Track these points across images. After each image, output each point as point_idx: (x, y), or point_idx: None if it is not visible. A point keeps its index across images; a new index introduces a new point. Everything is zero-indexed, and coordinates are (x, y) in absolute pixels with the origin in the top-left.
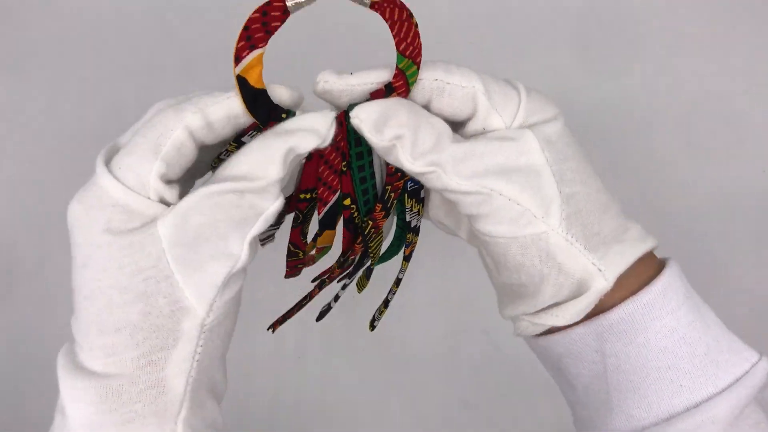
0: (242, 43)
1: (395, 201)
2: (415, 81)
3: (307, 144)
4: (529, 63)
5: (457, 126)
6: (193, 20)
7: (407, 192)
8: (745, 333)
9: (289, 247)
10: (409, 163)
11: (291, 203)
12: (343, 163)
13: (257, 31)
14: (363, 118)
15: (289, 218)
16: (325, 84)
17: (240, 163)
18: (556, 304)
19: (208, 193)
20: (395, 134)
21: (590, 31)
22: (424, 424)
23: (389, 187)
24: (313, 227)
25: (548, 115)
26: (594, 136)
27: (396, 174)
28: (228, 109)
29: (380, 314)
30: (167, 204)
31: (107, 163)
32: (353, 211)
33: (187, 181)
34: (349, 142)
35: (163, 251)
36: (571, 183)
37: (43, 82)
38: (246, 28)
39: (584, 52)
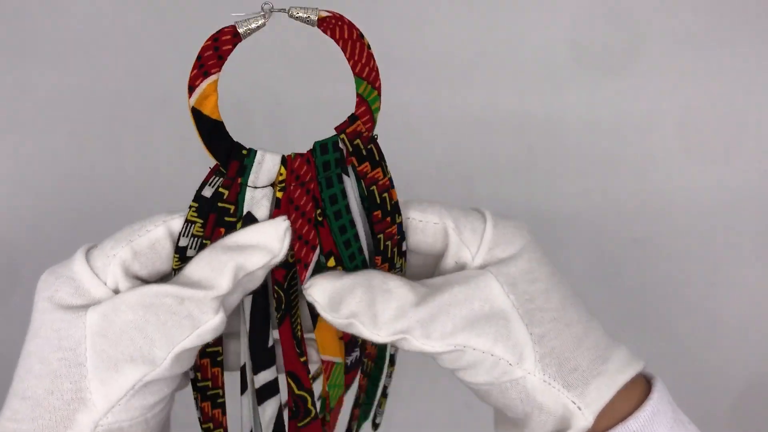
0: (195, 72)
1: (396, 251)
2: (378, 108)
3: (257, 262)
4: (528, 63)
5: (433, 263)
6: (195, 19)
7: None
8: (745, 333)
9: (290, 387)
10: (375, 335)
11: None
12: (317, 211)
13: (210, 58)
14: (317, 299)
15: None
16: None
17: (190, 272)
18: None
19: (148, 292)
20: (351, 312)
21: (590, 31)
22: (426, 425)
23: (382, 236)
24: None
25: (513, 249)
26: (593, 137)
27: (385, 219)
28: None
29: (381, 407)
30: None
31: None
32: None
33: None
34: (320, 183)
35: (85, 338)
36: (540, 322)
37: (44, 81)
38: (199, 57)
39: (583, 53)
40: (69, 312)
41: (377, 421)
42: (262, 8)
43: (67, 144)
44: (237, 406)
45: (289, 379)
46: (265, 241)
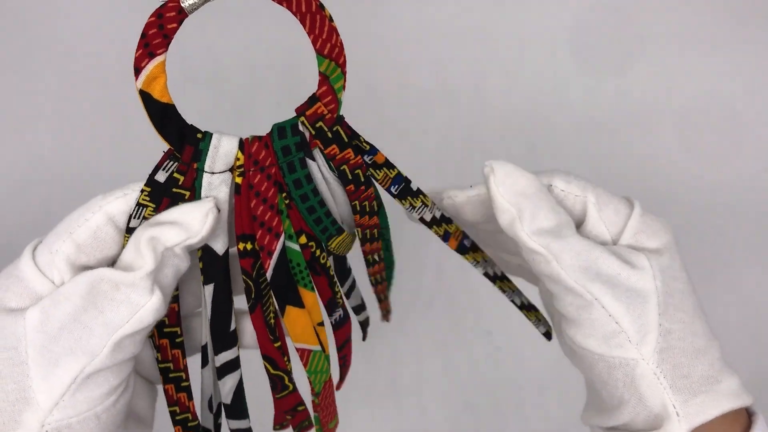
0: (140, 52)
1: (375, 205)
2: (341, 87)
3: (171, 238)
4: (528, 63)
5: None
6: (194, 20)
7: (396, 196)
8: (745, 333)
9: (266, 367)
10: (526, 236)
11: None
12: (283, 195)
13: (155, 36)
14: (495, 168)
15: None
16: (449, 200)
17: (123, 256)
18: (630, 429)
19: (83, 280)
20: (518, 200)
21: (590, 31)
22: (425, 426)
23: (357, 202)
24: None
25: (660, 242)
26: (594, 136)
27: (359, 189)
28: None
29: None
30: None
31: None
32: (313, 249)
33: None
34: (282, 168)
35: (25, 335)
36: (671, 319)
37: (45, 81)
38: (143, 35)
39: (584, 52)
40: (12, 312)
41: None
42: None
43: (66, 145)
44: (199, 376)
45: (264, 362)
46: (184, 219)
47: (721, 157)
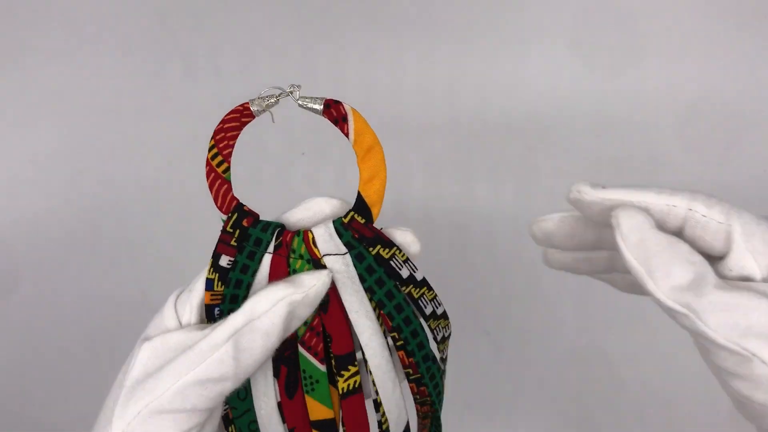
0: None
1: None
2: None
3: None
4: (529, 63)
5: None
6: (194, 18)
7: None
8: None
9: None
10: (662, 295)
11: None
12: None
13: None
14: (621, 220)
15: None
16: (578, 194)
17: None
18: None
19: (174, 337)
20: (646, 256)
21: (590, 31)
22: None
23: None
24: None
25: None
26: (594, 136)
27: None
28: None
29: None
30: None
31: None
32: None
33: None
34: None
35: (134, 365)
36: None
37: (42, 83)
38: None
39: (584, 52)
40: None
41: None
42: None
43: (66, 144)
44: None
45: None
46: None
47: (721, 157)
